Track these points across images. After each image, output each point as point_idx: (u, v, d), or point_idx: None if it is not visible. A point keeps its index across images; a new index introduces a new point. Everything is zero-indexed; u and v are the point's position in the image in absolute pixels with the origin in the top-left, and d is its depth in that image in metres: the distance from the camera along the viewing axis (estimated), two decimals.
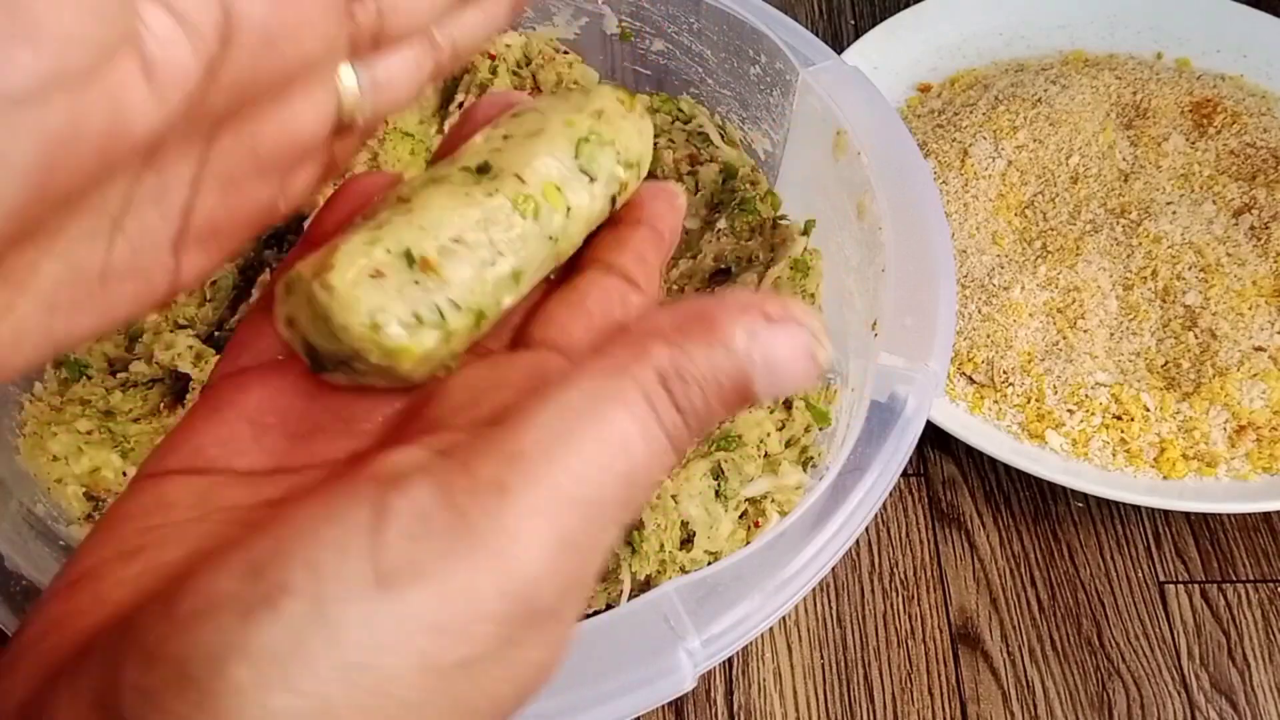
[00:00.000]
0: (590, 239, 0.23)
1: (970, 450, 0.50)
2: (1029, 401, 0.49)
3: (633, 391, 0.17)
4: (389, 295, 0.20)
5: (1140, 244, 0.53)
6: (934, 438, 0.50)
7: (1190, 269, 0.52)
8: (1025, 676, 0.44)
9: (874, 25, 0.61)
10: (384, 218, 0.21)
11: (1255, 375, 0.49)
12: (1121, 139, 0.57)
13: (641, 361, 0.17)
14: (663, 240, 0.23)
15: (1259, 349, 0.50)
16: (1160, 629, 0.46)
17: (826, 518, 0.33)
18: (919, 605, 0.46)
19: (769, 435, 0.41)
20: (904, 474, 0.50)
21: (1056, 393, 0.49)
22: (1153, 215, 0.53)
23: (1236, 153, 0.56)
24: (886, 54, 0.60)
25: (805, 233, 0.45)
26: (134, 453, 0.43)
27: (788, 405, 0.42)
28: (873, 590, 0.46)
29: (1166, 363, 0.50)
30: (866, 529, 0.48)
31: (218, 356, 0.43)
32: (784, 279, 0.45)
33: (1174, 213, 0.54)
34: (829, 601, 0.46)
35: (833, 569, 0.47)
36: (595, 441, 0.16)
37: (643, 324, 0.18)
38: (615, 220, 0.23)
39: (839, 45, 0.59)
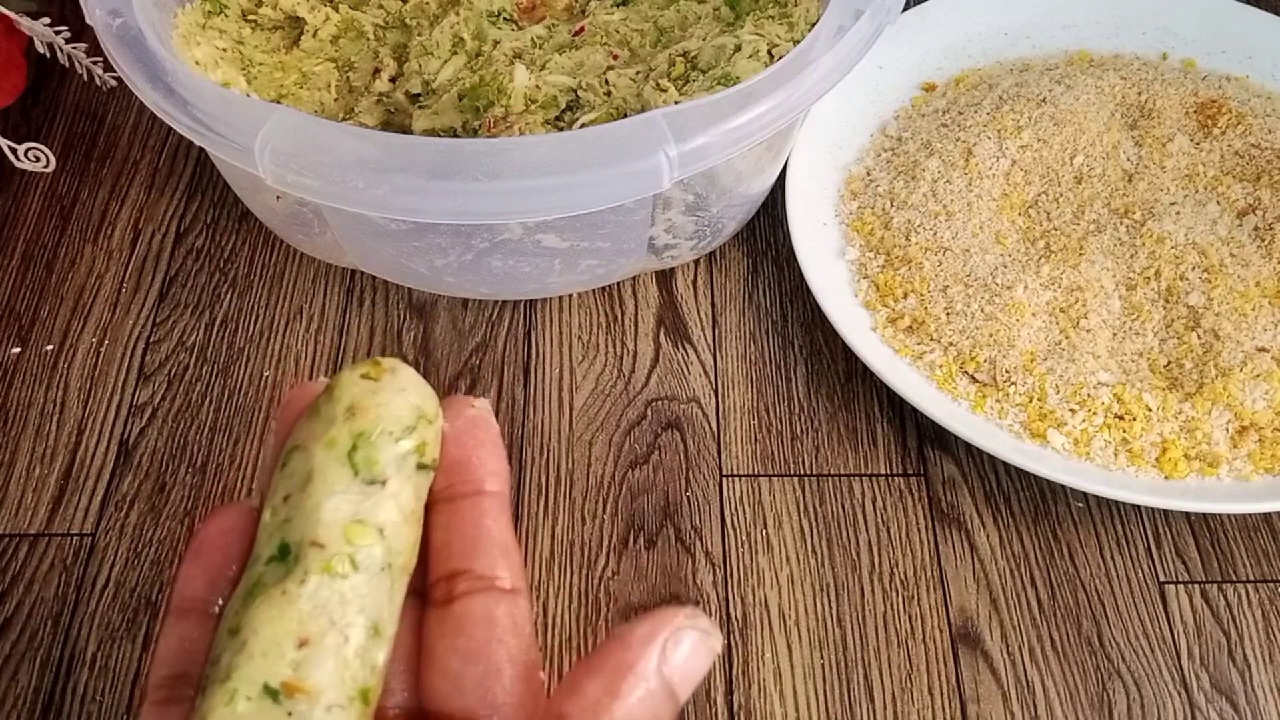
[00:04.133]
0: (431, 516, 0.24)
1: (970, 450, 0.50)
2: (1031, 401, 0.49)
3: None
4: None
5: (1144, 244, 0.53)
6: (934, 437, 0.50)
7: (1193, 269, 0.52)
8: (1025, 676, 0.44)
9: None
10: (223, 661, 0.21)
11: (1258, 376, 0.49)
12: (1126, 139, 0.57)
13: None
14: (498, 498, 0.24)
15: (1262, 350, 0.50)
16: (1160, 629, 0.46)
17: (799, 70, 0.44)
18: (919, 605, 0.46)
19: None
20: (904, 474, 0.49)
21: (1059, 392, 0.49)
22: (1156, 216, 0.54)
23: (1241, 154, 0.56)
24: (891, 53, 0.61)
25: None
26: (256, 80, 0.52)
27: None
28: (873, 590, 0.46)
29: (1169, 363, 0.50)
30: (866, 529, 0.48)
31: (328, 7, 0.55)
32: None
33: (1177, 213, 0.54)
34: (829, 602, 0.46)
35: (833, 569, 0.47)
36: None
37: (576, 702, 0.22)
38: (447, 489, 0.24)
39: None
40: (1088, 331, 0.50)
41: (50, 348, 0.53)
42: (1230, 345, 0.49)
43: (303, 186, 0.42)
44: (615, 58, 0.52)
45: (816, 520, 0.48)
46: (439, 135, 0.50)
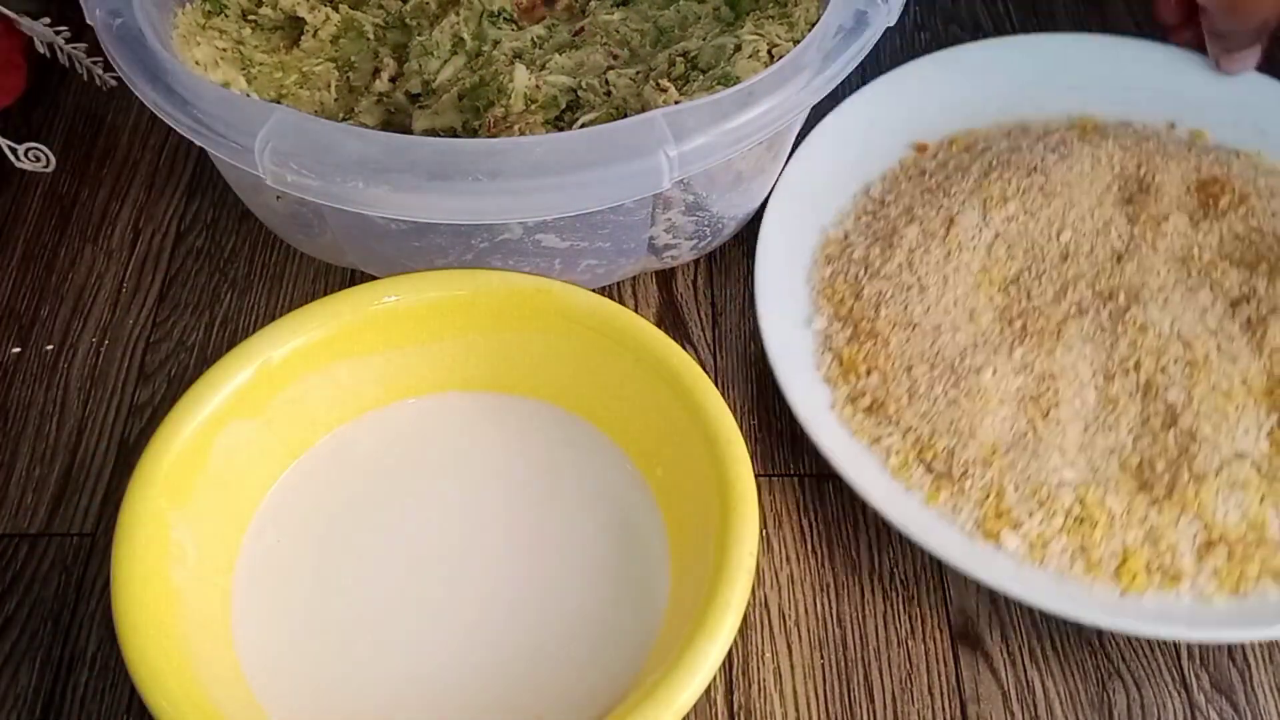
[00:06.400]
0: None
1: None
2: (988, 497, 0.45)
3: None
4: None
5: (1126, 332, 0.49)
6: None
7: (1175, 363, 0.48)
8: (1025, 676, 0.44)
9: (879, 76, 0.59)
10: None
11: (1234, 484, 0.45)
12: (1119, 215, 0.53)
13: None
14: None
15: (1240, 455, 0.46)
16: None
17: (799, 70, 0.44)
18: (919, 605, 0.46)
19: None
20: None
21: (1018, 489, 0.45)
22: (1142, 301, 0.49)
23: (1241, 237, 0.52)
24: (883, 110, 0.58)
25: None
26: (256, 80, 0.52)
27: None
28: (873, 590, 0.46)
29: (1141, 462, 0.46)
30: (866, 529, 0.48)
31: (328, 7, 0.54)
32: None
33: (1165, 300, 0.50)
34: (829, 601, 0.46)
35: (833, 569, 0.47)
36: None
37: None
38: None
39: (837, 96, 0.56)
40: (1057, 423, 0.47)
41: (50, 348, 0.53)
42: (1207, 448, 0.45)
43: (303, 186, 0.42)
44: (615, 58, 0.52)
45: (816, 520, 0.48)
46: (439, 135, 0.50)
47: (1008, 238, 0.52)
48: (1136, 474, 0.46)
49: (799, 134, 0.55)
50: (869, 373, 0.49)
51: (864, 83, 0.58)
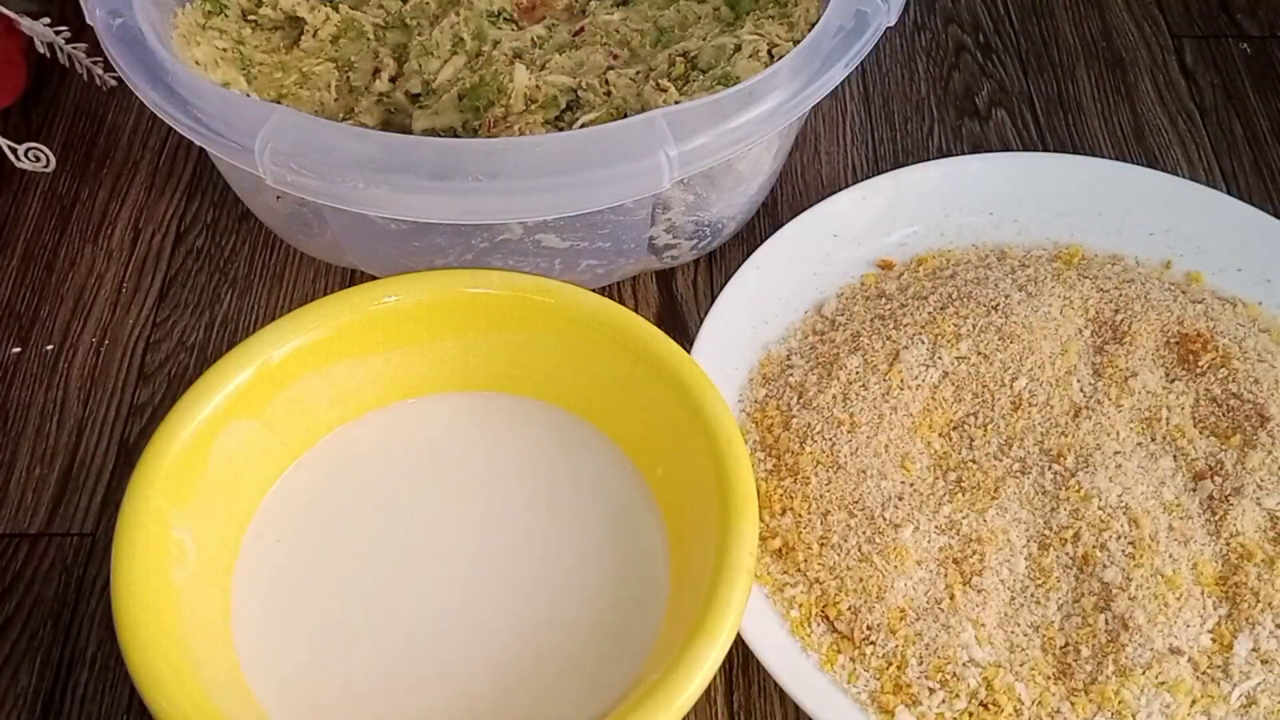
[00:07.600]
0: None
1: None
2: (889, 667, 0.41)
3: None
4: None
5: (1068, 499, 0.44)
6: None
7: (1117, 539, 0.43)
8: None
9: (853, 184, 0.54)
10: None
11: (1162, 684, 0.40)
12: (1084, 366, 0.48)
13: None
14: None
15: (1175, 651, 0.40)
16: None
17: (799, 70, 0.45)
18: None
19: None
20: None
21: (922, 663, 0.41)
22: (1091, 467, 0.44)
23: (1219, 402, 0.46)
24: (851, 220, 0.53)
25: None
26: (256, 80, 0.53)
27: None
28: None
29: (1066, 644, 0.41)
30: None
31: (328, 7, 0.54)
32: None
33: (1118, 467, 0.44)
34: None
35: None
36: None
37: None
38: None
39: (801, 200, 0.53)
40: (979, 592, 0.42)
41: (50, 348, 0.53)
42: (1138, 640, 0.40)
43: (303, 186, 0.42)
44: (615, 58, 0.52)
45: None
46: (439, 135, 0.50)
47: (956, 379, 0.47)
48: (1059, 656, 0.41)
49: (757, 239, 0.52)
50: (784, 512, 0.44)
51: (863, 83, 0.58)
